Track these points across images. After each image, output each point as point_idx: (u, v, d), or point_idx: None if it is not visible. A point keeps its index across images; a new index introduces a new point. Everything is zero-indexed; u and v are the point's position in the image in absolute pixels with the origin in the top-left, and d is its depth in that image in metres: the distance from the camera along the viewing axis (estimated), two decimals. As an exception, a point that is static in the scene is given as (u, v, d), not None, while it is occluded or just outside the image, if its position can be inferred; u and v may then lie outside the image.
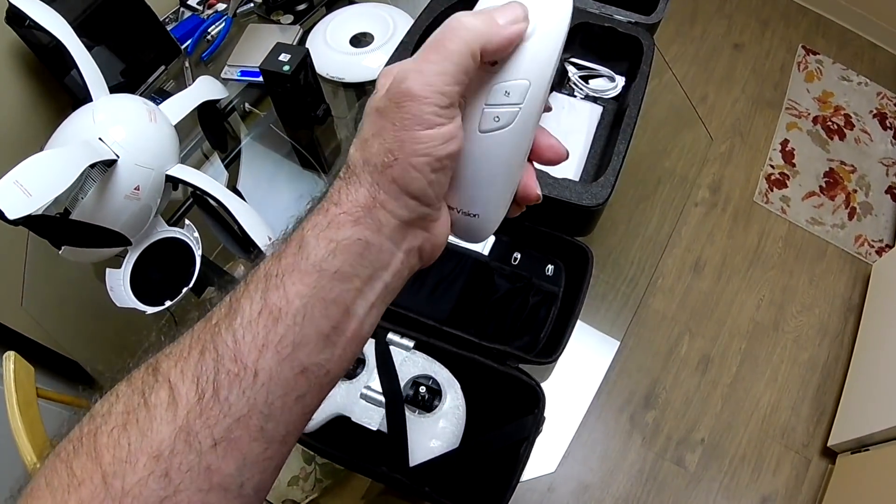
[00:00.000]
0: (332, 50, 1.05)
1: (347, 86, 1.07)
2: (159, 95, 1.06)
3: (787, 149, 2.12)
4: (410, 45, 0.88)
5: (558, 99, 0.95)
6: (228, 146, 1.06)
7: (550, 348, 0.76)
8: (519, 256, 0.84)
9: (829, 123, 2.17)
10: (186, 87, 1.10)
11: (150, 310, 0.80)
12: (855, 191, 2.05)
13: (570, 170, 0.87)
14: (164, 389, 0.26)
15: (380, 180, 0.29)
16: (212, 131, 1.03)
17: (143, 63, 1.05)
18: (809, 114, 2.18)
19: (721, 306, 1.91)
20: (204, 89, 0.94)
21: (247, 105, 1.10)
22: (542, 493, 1.65)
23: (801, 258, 1.96)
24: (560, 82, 0.96)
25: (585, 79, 0.97)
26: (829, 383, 1.79)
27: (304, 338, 0.28)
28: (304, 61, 0.88)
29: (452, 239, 0.74)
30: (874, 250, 1.96)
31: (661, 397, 1.78)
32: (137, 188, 0.73)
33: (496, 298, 0.80)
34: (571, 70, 0.97)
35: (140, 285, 0.83)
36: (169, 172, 0.78)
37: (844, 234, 1.98)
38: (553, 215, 0.79)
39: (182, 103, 0.88)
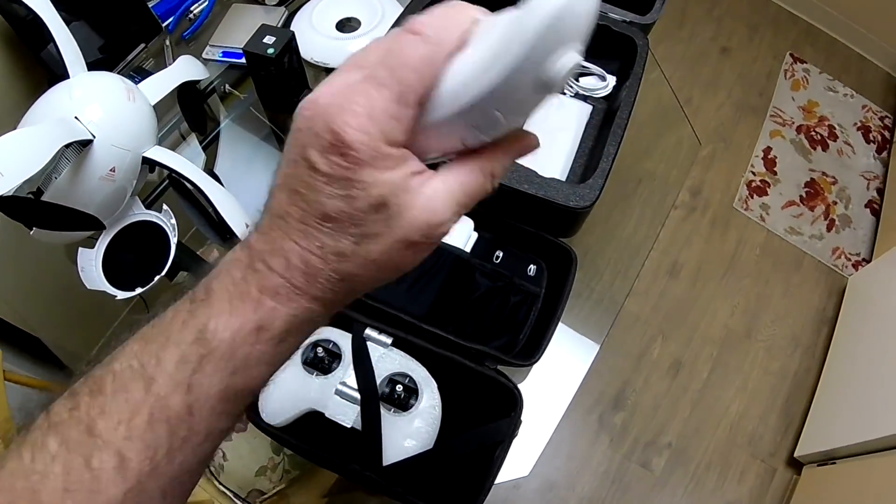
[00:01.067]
0: (317, 34, 1.02)
1: (331, 71, 1.04)
2: (138, 74, 1.03)
3: (769, 156, 2.13)
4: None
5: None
6: (207, 128, 1.03)
7: (530, 350, 0.75)
8: (501, 255, 0.82)
9: (813, 133, 2.18)
10: (166, 67, 1.07)
11: (120, 294, 0.77)
12: (835, 202, 2.07)
13: (556, 169, 0.86)
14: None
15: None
16: (191, 112, 1.00)
17: (122, 40, 1.01)
18: (794, 122, 2.19)
19: (695, 311, 1.92)
20: (184, 69, 0.91)
21: (227, 86, 1.07)
22: (508, 490, 1.65)
23: (777, 267, 1.97)
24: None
25: (576, 76, 0.96)
26: (799, 394, 1.80)
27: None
28: (290, 45, 0.85)
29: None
30: (851, 264, 1.97)
31: (630, 399, 1.79)
32: (113, 170, 0.70)
33: (476, 297, 0.79)
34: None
35: (112, 268, 0.80)
36: (146, 154, 0.75)
37: (822, 245, 2.00)
38: (538, 215, 0.77)
39: (161, 83, 0.85)
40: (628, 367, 1.85)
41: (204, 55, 1.06)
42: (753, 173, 2.10)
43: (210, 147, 1.03)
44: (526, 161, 0.84)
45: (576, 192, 0.73)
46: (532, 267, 0.82)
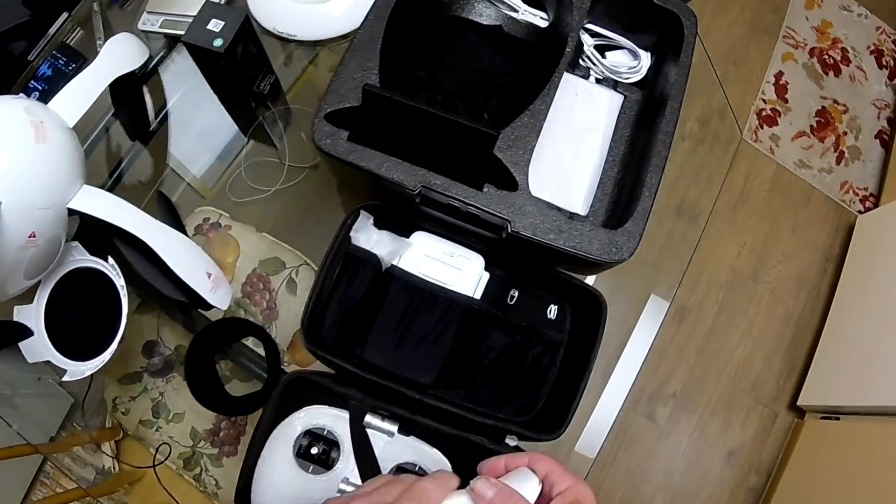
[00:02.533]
0: (281, -2, 0.83)
1: (301, 44, 0.86)
2: (63, 55, 0.83)
3: (780, 82, 1.99)
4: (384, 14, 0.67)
5: (571, 82, 0.76)
6: (152, 124, 0.85)
7: (553, 411, 0.65)
8: (516, 294, 0.69)
9: (826, 57, 2.04)
10: (97, 41, 0.87)
11: (71, 368, 0.63)
12: (845, 133, 1.97)
13: (578, 193, 0.71)
14: None
15: None
16: (128, 110, 0.81)
17: (38, 8, 0.81)
18: (806, 44, 2.04)
19: (701, 252, 1.83)
20: (115, 60, 0.72)
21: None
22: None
23: (786, 203, 1.89)
24: (574, 59, 0.77)
25: (601, 51, 0.79)
26: (803, 336, 1.78)
27: None
28: (243, 29, 0.67)
29: (441, 281, 0.64)
30: (858, 199, 1.92)
31: (634, 349, 1.74)
32: (33, 235, 0.54)
33: (491, 359, 0.66)
34: (587, 40, 0.78)
35: (57, 331, 0.65)
36: (71, 205, 0.58)
37: (831, 179, 1.92)
38: (560, 261, 0.65)
39: (83, 90, 0.66)
40: (633, 315, 1.77)
41: (140, 25, 0.86)
42: (764, 101, 1.97)
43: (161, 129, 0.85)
44: (541, 184, 0.69)
45: (611, 241, 0.59)
46: (553, 308, 0.70)
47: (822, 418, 1.58)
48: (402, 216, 0.66)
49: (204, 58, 0.68)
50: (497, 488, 0.37)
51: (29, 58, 0.86)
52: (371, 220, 0.66)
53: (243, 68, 0.71)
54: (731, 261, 1.82)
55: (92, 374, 0.63)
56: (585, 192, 0.71)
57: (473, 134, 0.54)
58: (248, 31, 0.69)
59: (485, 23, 0.79)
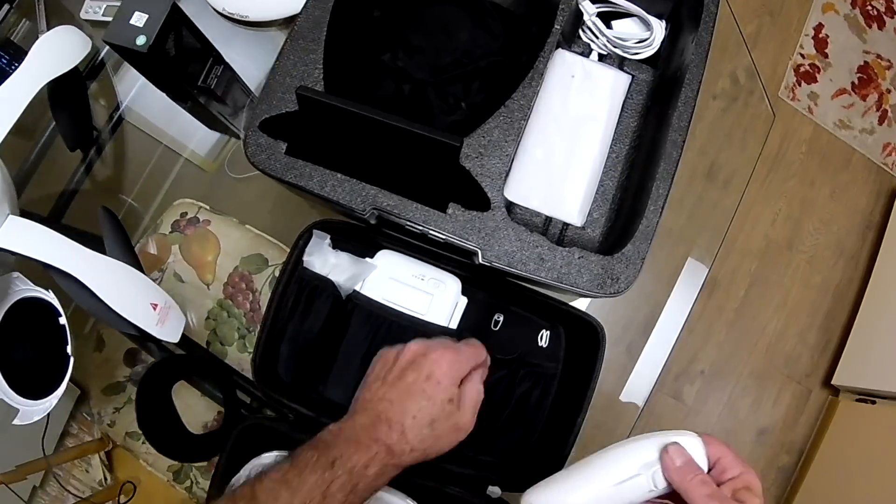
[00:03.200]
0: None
1: (253, 25, 0.75)
2: (5, 52, 0.75)
3: (820, 35, 1.85)
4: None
5: (566, 61, 0.64)
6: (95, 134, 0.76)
7: (545, 453, 0.57)
8: (502, 319, 0.59)
9: (869, 8, 1.91)
10: (39, 32, 0.78)
11: (21, 411, 0.57)
12: (889, 90, 1.86)
13: (573, 204, 0.59)
14: None
15: None
16: (68, 115, 0.72)
17: None
18: (849, -7, 1.89)
19: (734, 220, 1.72)
20: (45, 61, 0.63)
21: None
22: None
23: (824, 166, 1.79)
24: (571, 32, 0.65)
25: (607, 20, 0.66)
26: (840, 308, 1.71)
27: None
28: (172, 21, 0.56)
29: (410, 309, 0.58)
30: None
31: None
32: None
33: None
34: (588, 7, 0.65)
35: (8, 364, 0.60)
36: None
37: (873, 140, 1.81)
38: (546, 287, 0.55)
39: (8, 103, 0.58)
40: (660, 288, 1.68)
41: (83, 14, 0.77)
42: (802, 55, 1.83)
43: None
44: (526, 189, 0.58)
45: (605, 269, 0.48)
46: (544, 334, 0.60)
47: (857, 400, 1.51)
48: (363, 234, 0.57)
49: (131, 57, 0.58)
50: (685, 459, 0.39)
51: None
52: (327, 241, 0.57)
53: (180, 65, 0.60)
54: (765, 228, 1.74)
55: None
56: (582, 197, 0.58)
57: (430, 144, 0.43)
58: (177, 23, 0.58)
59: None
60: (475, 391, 0.48)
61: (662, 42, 0.64)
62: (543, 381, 0.59)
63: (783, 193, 1.74)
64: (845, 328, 1.65)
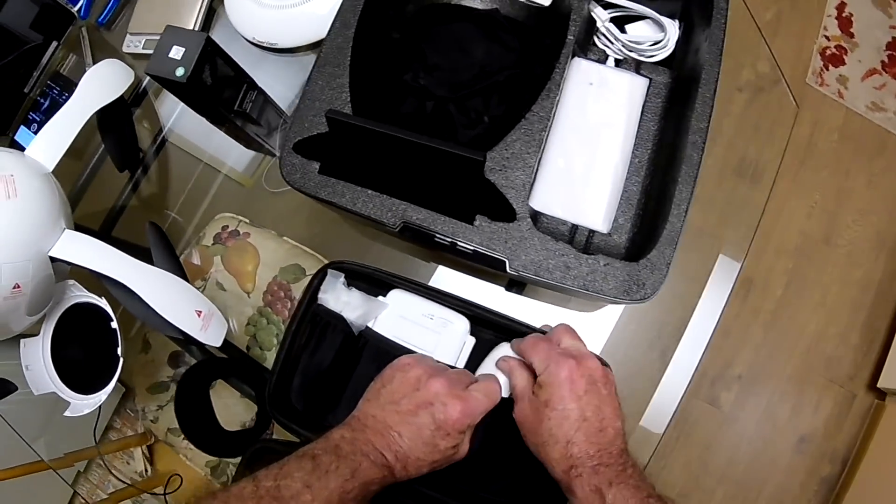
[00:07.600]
0: (256, 4, 0.74)
1: (282, 51, 0.78)
2: (56, 84, 0.80)
3: (843, 14, 1.78)
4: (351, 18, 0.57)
5: (583, 69, 0.65)
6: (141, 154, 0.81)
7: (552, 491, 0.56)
8: None
9: None
10: (86, 66, 0.83)
11: (73, 404, 0.62)
12: None
13: (597, 211, 0.60)
14: None
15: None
16: (115, 139, 0.77)
17: (25, 43, 0.78)
18: (870, -33, 1.81)
19: (766, 216, 1.68)
20: (93, 92, 0.69)
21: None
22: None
23: (858, 153, 1.70)
24: (586, 39, 0.66)
25: (620, 24, 0.67)
26: (884, 305, 1.61)
27: None
28: (206, 53, 0.60)
29: (419, 347, 0.60)
30: None
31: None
32: (17, 286, 0.55)
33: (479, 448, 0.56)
34: (600, 14, 0.66)
35: (62, 363, 0.65)
36: (52, 253, 0.58)
37: None
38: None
39: (61, 130, 0.65)
40: (692, 290, 1.65)
41: (125, 48, 0.82)
42: (827, 38, 1.76)
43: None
44: (549, 198, 0.59)
45: (631, 276, 0.49)
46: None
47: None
48: (373, 275, 0.59)
49: (171, 87, 0.62)
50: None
51: (25, 90, 0.86)
52: (341, 279, 0.59)
53: (216, 92, 0.64)
54: (800, 224, 1.66)
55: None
56: (606, 204, 0.60)
57: (455, 159, 0.45)
58: (212, 54, 0.61)
59: (476, 6, 0.69)
60: (477, 431, 0.51)
61: (677, 42, 0.65)
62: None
63: (817, 185, 1.68)
64: (890, 326, 1.57)
